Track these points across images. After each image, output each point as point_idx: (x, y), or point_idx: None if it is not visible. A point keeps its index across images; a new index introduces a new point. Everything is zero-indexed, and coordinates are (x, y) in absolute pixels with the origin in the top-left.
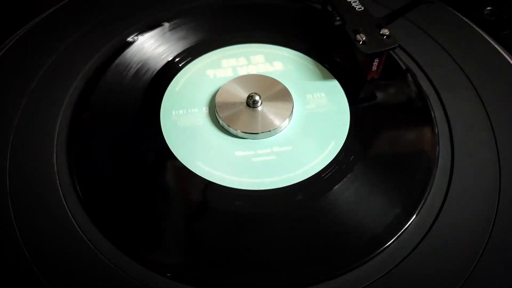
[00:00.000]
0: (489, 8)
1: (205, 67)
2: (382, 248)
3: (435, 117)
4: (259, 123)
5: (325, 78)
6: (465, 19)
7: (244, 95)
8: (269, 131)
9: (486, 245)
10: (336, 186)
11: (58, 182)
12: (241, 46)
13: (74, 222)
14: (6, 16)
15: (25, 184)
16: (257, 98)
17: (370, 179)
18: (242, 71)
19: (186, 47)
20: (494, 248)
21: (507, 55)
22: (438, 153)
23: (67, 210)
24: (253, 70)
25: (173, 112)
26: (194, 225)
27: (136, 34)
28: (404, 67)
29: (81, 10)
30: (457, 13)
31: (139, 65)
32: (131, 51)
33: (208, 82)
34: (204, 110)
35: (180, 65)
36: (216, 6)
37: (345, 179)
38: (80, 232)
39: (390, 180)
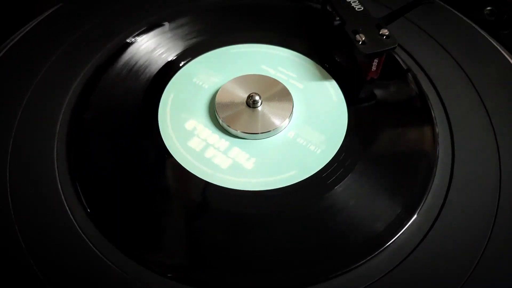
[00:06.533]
0: (489, 8)
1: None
2: (382, 248)
3: (435, 117)
4: (259, 123)
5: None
6: (465, 19)
7: (244, 95)
8: (269, 131)
9: (486, 245)
10: (336, 186)
11: (58, 182)
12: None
13: (75, 223)
14: (6, 16)
15: (25, 184)
16: (257, 98)
17: (370, 179)
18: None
19: (186, 47)
20: (494, 248)
21: (507, 55)
22: (438, 153)
23: (68, 210)
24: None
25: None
26: (194, 225)
27: (136, 34)
28: (404, 67)
29: (81, 10)
30: (457, 13)
31: (139, 65)
32: (131, 51)
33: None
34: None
35: (180, 65)
36: (216, 6)
37: (345, 179)
38: (81, 232)
39: (390, 180)
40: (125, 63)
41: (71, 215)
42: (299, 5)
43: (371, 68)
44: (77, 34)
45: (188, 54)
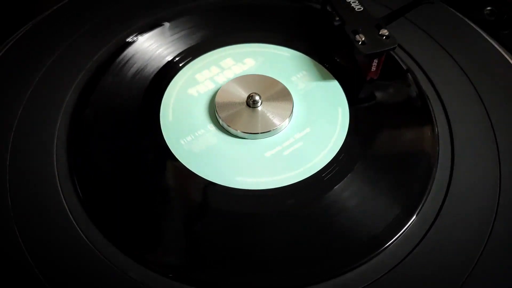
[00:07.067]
0: (489, 8)
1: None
2: (382, 248)
3: (435, 117)
4: (259, 123)
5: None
6: (465, 19)
7: (244, 95)
8: (269, 131)
9: (486, 245)
10: (336, 186)
11: (58, 182)
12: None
13: (74, 223)
14: (6, 16)
15: (25, 184)
16: (257, 98)
17: (370, 179)
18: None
19: (186, 47)
20: (494, 248)
21: (507, 55)
22: (438, 153)
23: (67, 210)
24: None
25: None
26: (194, 225)
27: (136, 34)
28: (404, 67)
29: (81, 10)
30: (457, 13)
31: (139, 65)
32: (131, 51)
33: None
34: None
35: (180, 65)
36: (216, 6)
37: (345, 179)
38: (80, 232)
39: (390, 180)
40: (125, 63)
41: (71, 215)
42: (299, 5)
43: (371, 68)
44: (77, 34)
45: (189, 54)
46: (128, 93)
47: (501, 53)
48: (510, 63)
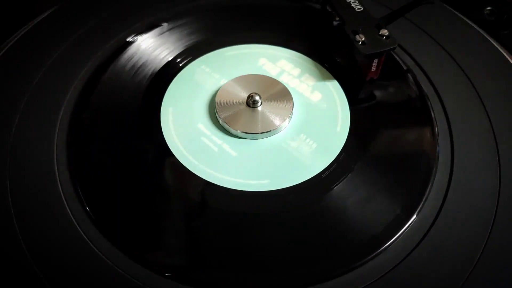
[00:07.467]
0: (489, 8)
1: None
2: (382, 248)
3: (435, 117)
4: (259, 123)
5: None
6: (465, 19)
7: (244, 95)
8: (269, 131)
9: (486, 245)
10: (336, 186)
11: (58, 182)
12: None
13: (75, 222)
14: (6, 16)
15: (25, 184)
16: (257, 98)
17: (370, 179)
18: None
19: (186, 47)
20: (494, 248)
21: (507, 55)
22: (438, 153)
23: (68, 210)
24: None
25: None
26: (193, 225)
27: (136, 34)
28: (404, 67)
29: (81, 10)
30: (457, 13)
31: (139, 65)
32: (131, 51)
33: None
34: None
35: (180, 65)
36: (216, 6)
37: (345, 179)
38: (81, 232)
39: (390, 180)
40: (125, 63)
41: (71, 215)
42: (299, 5)
43: (371, 69)
44: (77, 34)
45: (188, 54)
46: (128, 93)
47: (501, 53)
48: (510, 63)
